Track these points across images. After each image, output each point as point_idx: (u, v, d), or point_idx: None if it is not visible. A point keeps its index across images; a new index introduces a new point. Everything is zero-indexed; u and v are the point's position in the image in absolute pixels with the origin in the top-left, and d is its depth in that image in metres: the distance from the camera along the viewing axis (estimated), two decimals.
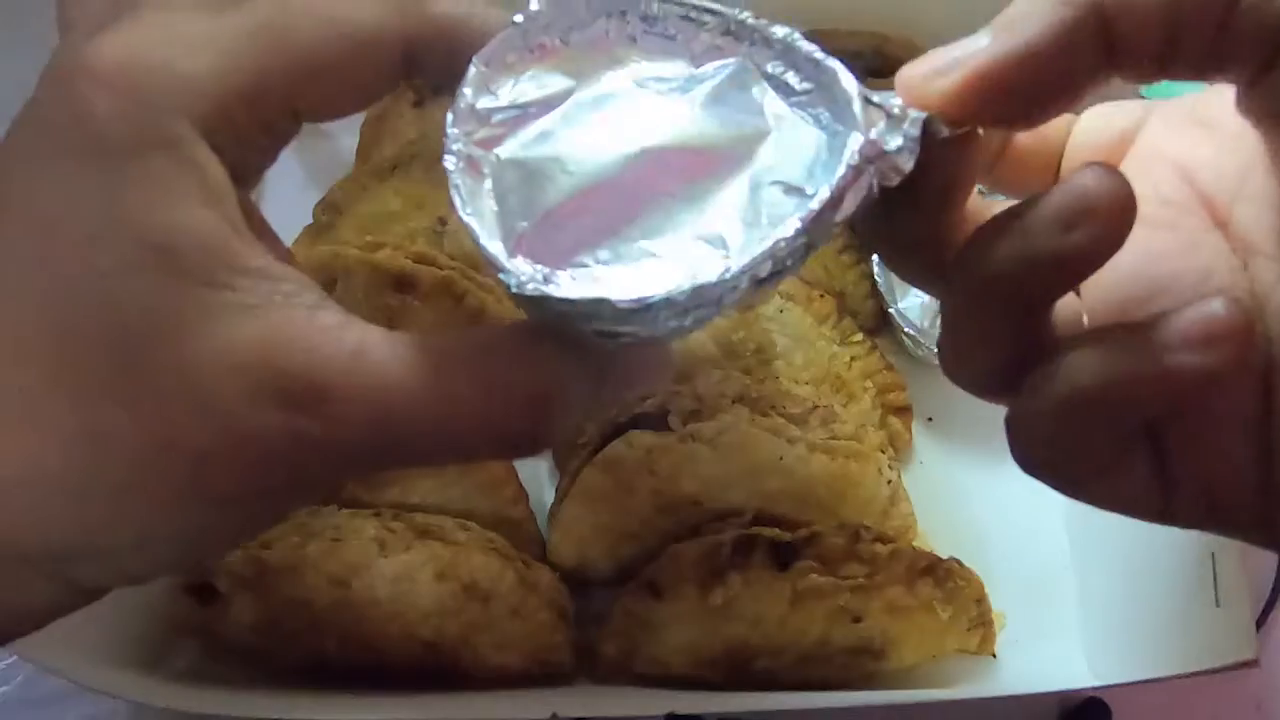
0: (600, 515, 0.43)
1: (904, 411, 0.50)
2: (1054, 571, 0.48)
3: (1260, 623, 0.47)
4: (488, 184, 0.22)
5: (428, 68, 0.24)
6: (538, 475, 0.48)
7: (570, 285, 0.21)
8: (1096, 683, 0.42)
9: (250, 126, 0.22)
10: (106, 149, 0.20)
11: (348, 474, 0.23)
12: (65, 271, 0.20)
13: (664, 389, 0.43)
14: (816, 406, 0.44)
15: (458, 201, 0.21)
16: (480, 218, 0.21)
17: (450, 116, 0.22)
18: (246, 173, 0.23)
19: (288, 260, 0.22)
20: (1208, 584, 0.38)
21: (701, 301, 0.20)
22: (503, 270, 0.21)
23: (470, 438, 0.22)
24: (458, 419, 0.21)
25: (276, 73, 0.22)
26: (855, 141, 0.21)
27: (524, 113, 0.23)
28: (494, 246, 0.21)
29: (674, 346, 0.25)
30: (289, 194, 0.52)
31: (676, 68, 0.24)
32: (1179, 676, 0.37)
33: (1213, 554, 0.38)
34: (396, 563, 0.39)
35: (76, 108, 0.20)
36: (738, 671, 0.41)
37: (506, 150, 0.22)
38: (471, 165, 0.22)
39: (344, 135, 0.55)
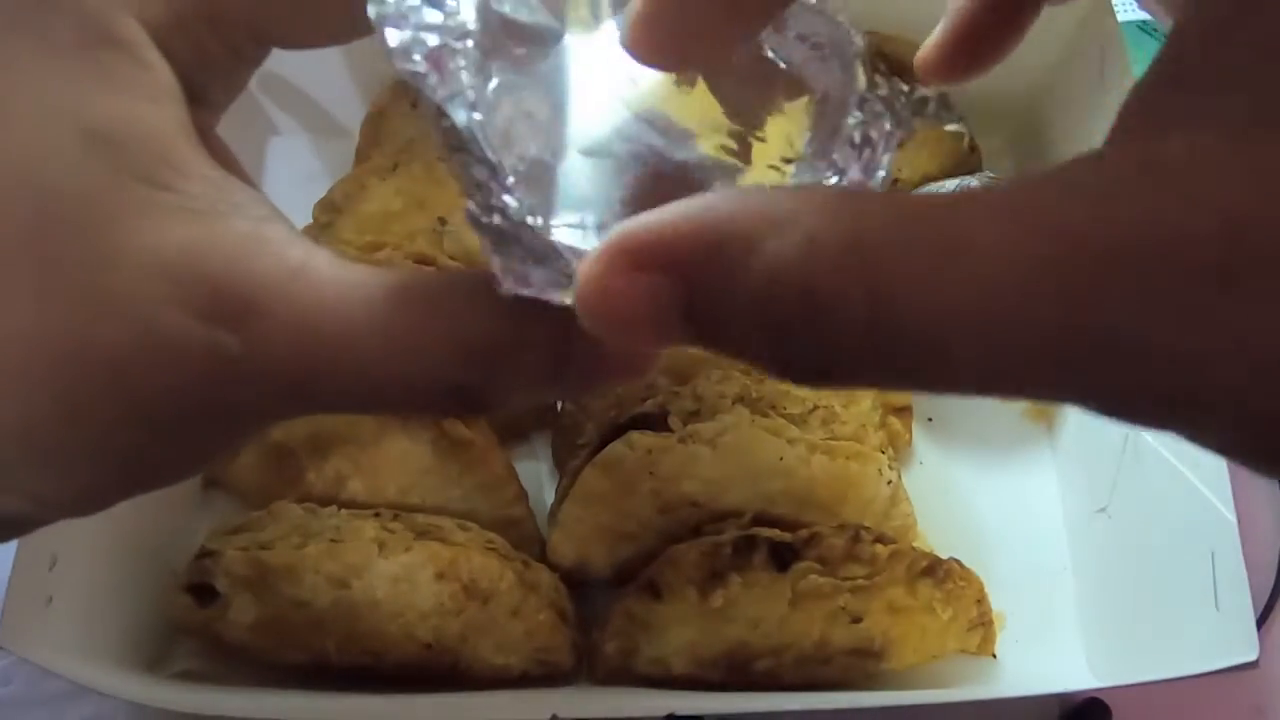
0: (600, 516, 0.43)
1: (904, 412, 0.50)
2: (1054, 571, 0.48)
3: (1260, 624, 0.47)
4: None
5: None
6: (538, 475, 0.48)
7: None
8: (1097, 684, 0.42)
9: (208, 41, 0.21)
10: (55, 35, 0.19)
11: (271, 407, 0.20)
12: None
13: (649, 385, 0.43)
14: (816, 407, 0.44)
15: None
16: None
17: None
18: (207, 92, 0.22)
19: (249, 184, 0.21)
20: (1207, 585, 0.38)
21: None
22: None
23: (403, 381, 0.20)
24: (391, 358, 0.19)
25: None
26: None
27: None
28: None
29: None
30: (289, 194, 0.52)
31: None
32: (1179, 678, 0.37)
33: (1213, 555, 0.38)
34: (396, 563, 0.39)
35: None
36: (738, 672, 0.41)
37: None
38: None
39: (344, 135, 0.56)
